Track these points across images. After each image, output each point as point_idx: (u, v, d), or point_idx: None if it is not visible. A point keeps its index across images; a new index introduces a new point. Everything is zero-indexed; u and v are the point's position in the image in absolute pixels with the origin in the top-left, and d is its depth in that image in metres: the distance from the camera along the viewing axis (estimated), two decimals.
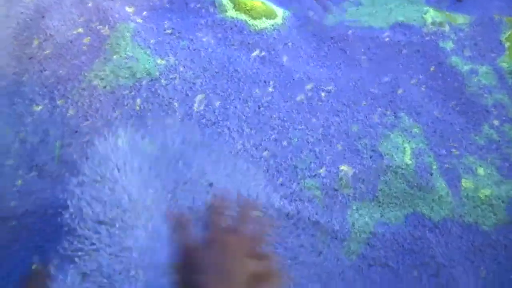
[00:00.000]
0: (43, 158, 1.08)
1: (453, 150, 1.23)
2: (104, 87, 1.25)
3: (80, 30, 1.42)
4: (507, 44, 1.54)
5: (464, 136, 1.28)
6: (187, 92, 1.26)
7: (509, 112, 1.36)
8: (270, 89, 1.33)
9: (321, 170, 1.12)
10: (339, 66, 1.41)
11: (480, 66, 1.47)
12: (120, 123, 1.18)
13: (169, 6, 1.54)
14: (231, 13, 1.48)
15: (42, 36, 1.39)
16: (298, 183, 1.09)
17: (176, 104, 1.22)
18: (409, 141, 1.23)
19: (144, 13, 1.51)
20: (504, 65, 1.43)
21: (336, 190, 1.09)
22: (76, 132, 1.14)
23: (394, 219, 1.11)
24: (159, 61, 1.33)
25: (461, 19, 1.63)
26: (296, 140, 1.19)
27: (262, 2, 1.53)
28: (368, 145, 1.19)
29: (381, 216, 1.11)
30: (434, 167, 1.18)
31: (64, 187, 1.01)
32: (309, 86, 1.34)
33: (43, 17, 1.45)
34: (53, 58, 1.35)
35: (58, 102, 1.21)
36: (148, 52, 1.34)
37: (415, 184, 1.15)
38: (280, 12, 1.51)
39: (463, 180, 1.16)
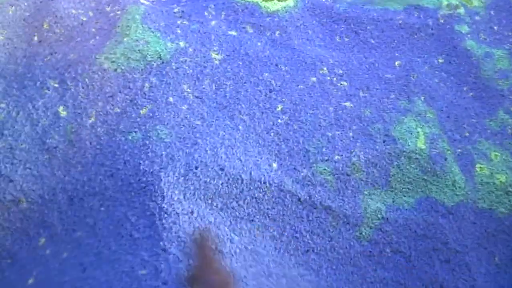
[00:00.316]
0: (54, 141, 1.08)
1: (467, 135, 1.21)
2: (115, 70, 1.24)
3: (90, 12, 1.40)
4: None
5: (478, 121, 1.26)
6: (198, 75, 1.25)
7: None
8: (282, 73, 1.31)
9: (333, 155, 1.11)
10: (352, 50, 1.38)
11: (496, 49, 1.44)
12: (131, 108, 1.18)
13: None
14: None
15: (52, 18, 1.38)
16: (310, 168, 1.08)
17: (186, 88, 1.20)
18: (423, 125, 1.21)
19: None
20: None
21: (348, 175, 1.08)
22: (86, 114, 1.14)
23: (406, 205, 1.10)
24: (169, 44, 1.31)
25: (476, 1, 1.59)
26: (308, 124, 1.17)
27: None
28: (381, 129, 1.17)
29: (393, 202, 1.10)
30: (448, 152, 1.16)
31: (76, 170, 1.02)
32: (321, 70, 1.32)
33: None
34: (64, 41, 1.34)
35: (69, 85, 1.20)
36: (158, 35, 1.33)
37: (429, 169, 1.13)
38: None
39: (477, 166, 1.14)
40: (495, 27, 1.52)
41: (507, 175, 1.13)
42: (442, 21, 1.49)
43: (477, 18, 1.52)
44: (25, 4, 1.41)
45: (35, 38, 1.35)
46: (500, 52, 1.43)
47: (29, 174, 1.04)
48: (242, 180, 1.01)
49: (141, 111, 1.16)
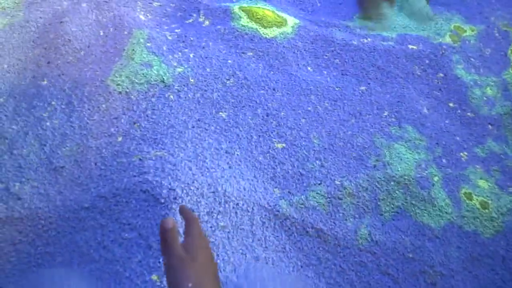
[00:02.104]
0: (61, 160, 1.14)
1: (455, 161, 1.27)
2: (120, 92, 1.30)
3: (97, 36, 1.47)
4: None
5: (466, 148, 1.32)
6: (199, 99, 1.31)
7: None
8: (279, 97, 1.37)
9: (326, 179, 1.17)
10: (346, 76, 1.45)
11: (485, 77, 1.50)
12: (134, 129, 1.23)
13: (182, 14, 1.59)
14: (243, 21, 1.52)
15: (60, 41, 1.44)
16: (304, 191, 1.13)
17: (188, 111, 1.26)
18: (412, 151, 1.26)
19: (158, 20, 1.56)
20: (509, 77, 1.46)
21: (340, 199, 1.13)
22: (91, 135, 1.20)
23: (395, 228, 1.15)
24: (172, 68, 1.38)
25: (468, 30, 1.66)
26: (302, 148, 1.23)
27: (273, 12, 1.57)
28: (372, 155, 1.23)
29: (382, 225, 1.15)
30: (436, 177, 1.22)
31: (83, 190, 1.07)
32: (316, 95, 1.38)
33: (61, 22, 1.50)
34: (71, 63, 1.40)
35: (76, 106, 1.26)
36: (162, 59, 1.39)
37: (417, 194, 1.18)
38: (290, 21, 1.55)
39: (463, 191, 1.19)
40: (486, 56, 1.59)
41: (491, 201, 1.19)
42: (433, 49, 1.55)
43: (468, 46, 1.59)
44: (35, 26, 1.48)
45: (44, 60, 1.41)
46: (489, 80, 1.50)
47: (37, 192, 1.10)
48: (238, 202, 1.06)
49: (145, 134, 1.21)
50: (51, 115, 1.24)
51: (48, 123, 1.23)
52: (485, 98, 1.42)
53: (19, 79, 1.37)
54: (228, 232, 1.00)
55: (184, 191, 1.02)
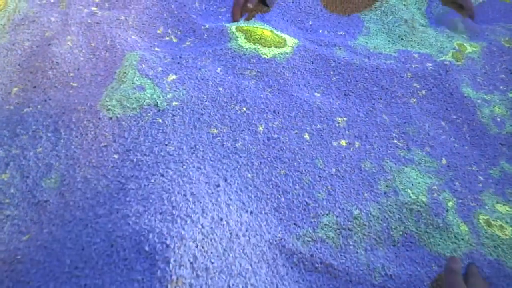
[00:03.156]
0: (45, 194, 1.04)
1: (468, 185, 1.19)
2: (111, 118, 1.22)
3: (87, 58, 1.40)
4: None
5: (479, 170, 1.25)
6: (195, 123, 1.23)
7: None
8: (280, 120, 1.30)
9: (334, 208, 1.08)
10: (349, 97, 1.38)
11: (491, 95, 1.45)
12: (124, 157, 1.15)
13: (177, 34, 1.53)
14: (241, 41, 1.47)
15: (48, 64, 1.37)
16: (311, 222, 1.04)
17: (183, 137, 1.18)
18: (423, 176, 1.19)
19: (152, 41, 1.50)
20: None
21: (350, 229, 1.05)
22: (79, 166, 1.10)
23: (409, 260, 1.06)
24: (166, 91, 1.30)
25: (469, 47, 1.62)
26: (307, 175, 1.15)
27: (271, 31, 1.52)
28: (382, 180, 1.15)
29: (396, 257, 1.06)
30: (450, 203, 1.14)
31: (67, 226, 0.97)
32: (319, 117, 1.31)
33: (49, 44, 1.43)
34: (59, 87, 1.32)
35: (63, 134, 1.17)
36: (155, 81, 1.32)
37: (431, 222, 1.10)
38: (289, 41, 1.50)
39: (480, 217, 1.11)
40: (490, 73, 1.54)
41: (511, 227, 1.11)
42: (437, 68, 1.51)
43: (472, 64, 1.55)
44: (21, 49, 1.41)
45: (30, 84, 1.33)
46: (496, 98, 1.44)
47: (17, 231, 0.99)
48: (239, 237, 0.97)
49: (137, 162, 1.12)
50: (35, 143, 1.15)
51: (31, 153, 1.14)
52: (494, 117, 1.37)
53: (2, 105, 1.28)
54: (230, 263, 0.91)
55: (180, 223, 0.92)
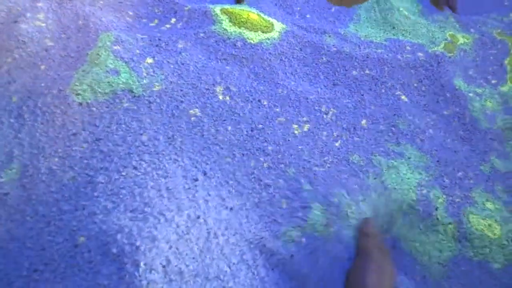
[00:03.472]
0: (6, 186, 0.95)
1: (458, 181, 1.15)
2: (80, 103, 1.12)
3: (57, 38, 1.28)
4: (508, 68, 1.48)
5: (469, 165, 1.21)
6: (173, 111, 1.14)
7: None
8: (265, 109, 1.22)
9: (316, 202, 1.02)
10: (338, 87, 1.32)
11: (483, 89, 1.41)
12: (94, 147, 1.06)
13: (156, 15, 1.42)
14: (225, 24, 1.37)
15: (13, 43, 1.25)
16: (291, 218, 0.98)
17: (160, 126, 1.10)
18: (413, 171, 1.14)
19: (129, 21, 1.39)
20: (505, 89, 1.37)
21: (335, 222, 0.99)
22: (43, 156, 1.01)
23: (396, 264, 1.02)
24: (142, 75, 1.21)
25: (461, 38, 1.57)
26: (291, 167, 1.08)
27: (259, 15, 1.43)
28: (371, 174, 1.10)
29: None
30: (440, 200, 1.09)
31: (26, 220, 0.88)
32: (306, 108, 1.25)
33: (15, 22, 1.31)
34: (25, 68, 1.21)
35: (27, 120, 1.07)
36: (131, 65, 1.22)
37: (420, 220, 1.06)
38: (277, 25, 1.41)
39: (470, 216, 1.07)
40: (481, 66, 1.50)
41: (501, 226, 1.07)
42: (429, 58, 1.45)
43: (464, 56, 1.50)
44: None
45: None
46: (488, 91, 1.40)
47: None
48: (217, 236, 0.90)
49: (108, 152, 1.04)
50: None
51: None
52: (485, 111, 1.32)
53: None
54: (206, 263, 0.84)
55: (151, 219, 0.85)
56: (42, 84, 1.16)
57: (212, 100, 1.21)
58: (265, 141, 1.15)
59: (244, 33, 1.37)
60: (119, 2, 1.43)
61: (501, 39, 1.61)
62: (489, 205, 1.10)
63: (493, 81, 1.45)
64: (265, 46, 1.36)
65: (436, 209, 1.07)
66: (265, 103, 1.24)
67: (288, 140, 1.16)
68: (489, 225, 1.07)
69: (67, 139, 1.05)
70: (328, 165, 1.12)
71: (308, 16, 1.53)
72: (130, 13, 1.43)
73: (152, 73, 1.21)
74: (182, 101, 1.18)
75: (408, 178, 1.10)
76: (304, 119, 1.21)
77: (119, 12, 1.41)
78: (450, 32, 1.60)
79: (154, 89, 1.18)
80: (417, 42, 1.53)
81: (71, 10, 1.36)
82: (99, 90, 1.13)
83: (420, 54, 1.47)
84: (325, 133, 1.20)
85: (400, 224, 1.02)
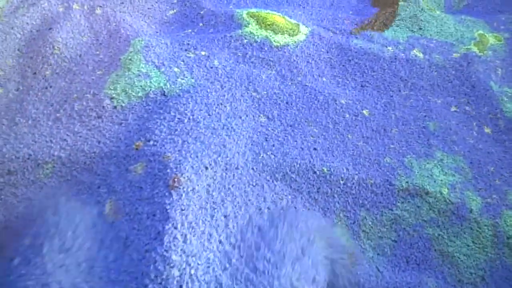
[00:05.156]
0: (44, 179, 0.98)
1: (493, 183, 1.13)
2: (115, 107, 1.15)
3: (90, 43, 1.32)
4: None
5: (503, 167, 1.18)
6: (204, 113, 1.16)
7: None
8: (293, 111, 1.23)
9: (347, 211, 1.02)
10: (366, 88, 1.31)
11: None
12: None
13: (184, 20, 1.45)
14: (252, 28, 1.39)
15: (49, 49, 1.30)
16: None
17: (189, 127, 1.11)
18: (446, 173, 1.12)
19: (158, 26, 1.42)
20: None
21: (363, 231, 0.98)
22: (82, 155, 1.04)
23: (422, 270, 1.00)
24: (173, 79, 1.23)
25: (492, 39, 1.54)
26: (324, 167, 1.08)
27: (284, 17, 1.44)
28: (403, 177, 1.09)
29: (408, 263, 1.00)
30: (474, 202, 1.07)
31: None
32: (334, 109, 1.24)
33: (50, 28, 1.36)
34: (60, 74, 1.25)
35: (64, 123, 1.11)
36: (162, 69, 1.25)
37: (454, 222, 1.04)
38: (303, 28, 1.42)
39: (507, 219, 1.05)
40: None
41: None
42: (458, 58, 1.43)
43: (494, 56, 1.47)
44: (21, 33, 1.33)
45: (30, 70, 1.26)
46: None
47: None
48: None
49: (139, 148, 1.06)
50: (34, 132, 1.09)
51: (31, 141, 1.07)
52: None
53: (1, 92, 1.21)
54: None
55: (195, 211, 0.86)
56: (78, 89, 1.20)
57: (241, 102, 1.22)
58: (295, 141, 1.15)
59: (270, 36, 1.38)
60: (148, 8, 1.47)
61: None
62: None
63: None
64: (292, 49, 1.37)
65: (471, 211, 1.05)
66: (293, 105, 1.24)
67: (319, 142, 1.16)
68: None
69: (103, 142, 1.08)
70: (360, 169, 1.12)
71: (333, 17, 1.53)
72: (159, 18, 1.46)
73: (182, 77, 1.24)
74: (211, 104, 1.20)
75: (442, 180, 1.09)
76: (333, 121, 1.21)
77: (148, 18, 1.44)
78: (479, 32, 1.57)
79: (184, 92, 1.20)
80: (446, 41, 1.51)
81: (102, 16, 1.40)
82: (133, 93, 1.16)
83: (449, 54, 1.45)
84: (355, 135, 1.20)
85: (433, 223, 1.00)
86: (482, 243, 1.01)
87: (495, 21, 1.64)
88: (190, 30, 1.41)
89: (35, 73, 1.26)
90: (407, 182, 1.08)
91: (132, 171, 0.98)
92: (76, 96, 1.18)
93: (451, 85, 1.37)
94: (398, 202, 1.05)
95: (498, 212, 1.05)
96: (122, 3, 1.42)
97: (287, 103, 1.25)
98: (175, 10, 1.47)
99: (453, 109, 1.31)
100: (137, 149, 1.05)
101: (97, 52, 1.30)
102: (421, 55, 1.42)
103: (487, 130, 1.27)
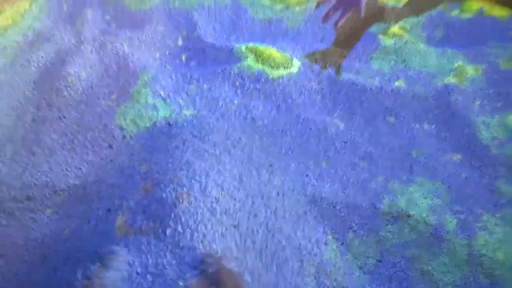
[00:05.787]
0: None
1: (468, 206, 1.24)
2: (124, 136, 1.26)
3: (101, 76, 1.44)
4: None
5: (479, 191, 1.29)
6: (204, 140, 1.27)
7: None
8: (288, 140, 1.34)
9: (339, 229, 1.12)
10: (355, 117, 1.43)
11: (491, 118, 1.50)
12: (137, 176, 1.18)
13: (187, 53, 1.58)
14: (250, 61, 1.51)
15: (62, 82, 1.41)
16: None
17: (190, 153, 1.22)
18: (426, 197, 1.23)
19: (163, 60, 1.54)
20: None
21: (355, 257, 1.09)
22: (95, 183, 1.14)
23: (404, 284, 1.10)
24: (178, 110, 1.35)
25: (471, 70, 1.67)
26: (315, 192, 1.19)
27: (279, 51, 1.57)
28: (386, 200, 1.20)
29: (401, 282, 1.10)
30: (451, 224, 1.18)
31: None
32: (325, 137, 1.36)
33: (63, 62, 1.47)
34: (73, 105, 1.36)
35: (78, 152, 1.21)
36: (167, 101, 1.36)
37: (433, 244, 1.15)
38: (295, 61, 1.55)
39: (480, 240, 1.16)
40: (490, 96, 1.59)
41: (505, 248, 1.15)
42: (439, 89, 1.56)
43: (472, 86, 1.60)
44: (36, 66, 1.45)
45: (44, 102, 1.37)
46: (495, 120, 1.49)
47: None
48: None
49: (147, 172, 1.16)
50: (50, 161, 1.19)
51: (47, 168, 1.18)
52: (493, 140, 1.41)
53: (17, 123, 1.32)
54: None
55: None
56: (90, 119, 1.31)
57: (238, 130, 1.33)
58: (288, 165, 1.26)
59: (267, 69, 1.51)
60: (154, 44, 1.59)
61: (508, 68, 1.70)
62: (498, 229, 1.18)
63: (501, 111, 1.55)
64: (286, 81, 1.49)
65: (448, 232, 1.16)
66: (288, 133, 1.36)
67: (310, 166, 1.27)
68: (499, 248, 1.15)
69: (114, 170, 1.18)
70: (347, 193, 1.22)
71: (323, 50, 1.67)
72: (163, 52, 1.58)
73: (186, 108, 1.35)
74: (212, 131, 1.31)
75: (422, 204, 1.20)
76: (324, 148, 1.32)
77: (154, 52, 1.56)
78: (458, 63, 1.70)
79: (187, 121, 1.31)
80: (428, 72, 1.64)
81: (111, 51, 1.52)
82: (141, 124, 1.27)
83: (430, 85, 1.57)
84: (344, 162, 1.31)
85: (413, 243, 1.11)
86: (458, 262, 1.11)
87: (474, 53, 1.77)
88: (193, 63, 1.54)
89: (49, 104, 1.37)
90: (390, 206, 1.19)
91: (141, 190, 1.08)
92: (89, 126, 1.29)
93: (432, 115, 1.49)
94: (383, 224, 1.15)
95: (472, 233, 1.16)
96: (130, 39, 1.54)
97: (282, 131, 1.36)
98: (179, 45, 1.59)
99: (434, 137, 1.43)
100: (145, 172, 1.15)
101: (108, 85, 1.42)
102: (405, 85, 1.55)
103: (465, 156, 1.39)
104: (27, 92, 1.39)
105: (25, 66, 1.45)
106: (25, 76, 1.42)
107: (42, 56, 1.49)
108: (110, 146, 1.23)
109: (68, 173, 1.15)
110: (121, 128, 1.27)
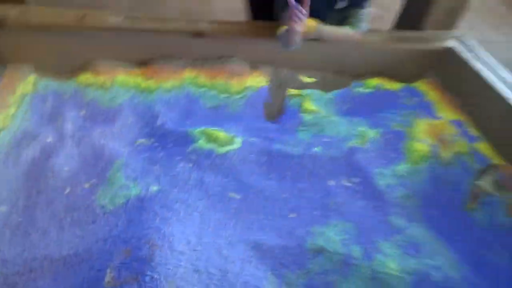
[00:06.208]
0: None
1: (369, 237, 1.67)
2: (104, 213, 1.60)
3: (81, 166, 1.80)
4: (403, 151, 2.11)
5: (378, 225, 1.74)
6: (166, 213, 1.63)
7: (410, 202, 1.85)
8: (236, 204, 1.74)
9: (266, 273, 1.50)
10: (285, 179, 1.88)
11: (386, 170, 2.01)
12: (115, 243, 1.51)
13: (151, 140, 1.99)
14: (201, 142, 1.95)
15: (49, 173, 1.75)
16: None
17: (157, 223, 1.57)
18: (339, 234, 1.66)
19: (131, 148, 1.94)
20: (400, 168, 1.98)
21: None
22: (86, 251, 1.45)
23: None
24: (145, 187, 1.72)
25: (371, 133, 2.21)
26: (257, 240, 1.57)
27: (224, 132, 2.02)
28: (309, 242, 1.60)
29: None
30: (357, 253, 1.59)
31: None
32: (264, 197, 1.78)
33: (48, 155, 1.82)
34: (59, 191, 1.69)
35: (67, 231, 1.53)
36: (137, 181, 1.74)
37: (344, 269, 1.54)
38: (237, 139, 2.01)
39: (379, 261, 1.57)
40: (387, 152, 2.11)
41: (397, 264, 1.56)
42: (347, 150, 2.06)
43: (372, 146, 2.12)
44: (25, 161, 1.78)
45: (35, 190, 1.69)
46: (389, 171, 2.00)
47: None
48: None
49: (124, 238, 1.48)
50: (45, 240, 1.49)
51: (43, 245, 1.47)
52: (388, 186, 1.91)
53: (12, 210, 1.61)
54: None
55: None
56: (75, 201, 1.64)
57: (195, 200, 1.72)
58: (235, 229, 1.64)
59: (215, 147, 1.95)
60: (123, 134, 1.99)
61: (398, 130, 2.26)
62: (389, 249, 1.61)
63: (394, 163, 2.07)
64: (231, 155, 1.93)
65: (355, 259, 1.57)
66: (236, 199, 1.76)
67: (253, 223, 1.67)
68: (389, 262, 1.56)
69: (95, 240, 1.50)
70: (283, 239, 1.62)
71: (263, 129, 2.15)
72: (130, 141, 1.98)
73: (152, 185, 1.73)
74: (175, 202, 1.68)
75: (335, 239, 1.62)
76: (264, 207, 1.74)
77: (123, 141, 1.96)
78: (362, 129, 2.24)
79: (153, 196, 1.68)
80: (339, 138, 2.16)
81: (88, 143, 1.90)
82: (118, 201, 1.63)
83: (340, 147, 2.08)
84: (279, 215, 1.72)
85: (331, 274, 1.50)
86: (365, 281, 1.51)
87: (374, 119, 2.34)
88: (158, 148, 1.94)
89: (39, 192, 1.69)
90: (312, 244, 1.59)
91: (123, 253, 1.40)
92: (74, 207, 1.62)
93: (344, 171, 1.97)
94: (308, 259, 1.55)
95: (372, 258, 1.58)
96: (104, 132, 1.93)
97: (229, 198, 1.77)
98: (143, 133, 2.01)
99: (345, 188, 1.90)
100: (125, 239, 1.49)
101: (87, 172, 1.77)
102: (321, 150, 2.04)
103: (368, 202, 1.85)
104: (19, 183, 1.70)
105: (17, 161, 1.78)
106: (17, 169, 1.74)
107: (29, 152, 1.82)
108: (94, 222, 1.56)
109: (62, 248, 1.45)
110: (102, 206, 1.61)
